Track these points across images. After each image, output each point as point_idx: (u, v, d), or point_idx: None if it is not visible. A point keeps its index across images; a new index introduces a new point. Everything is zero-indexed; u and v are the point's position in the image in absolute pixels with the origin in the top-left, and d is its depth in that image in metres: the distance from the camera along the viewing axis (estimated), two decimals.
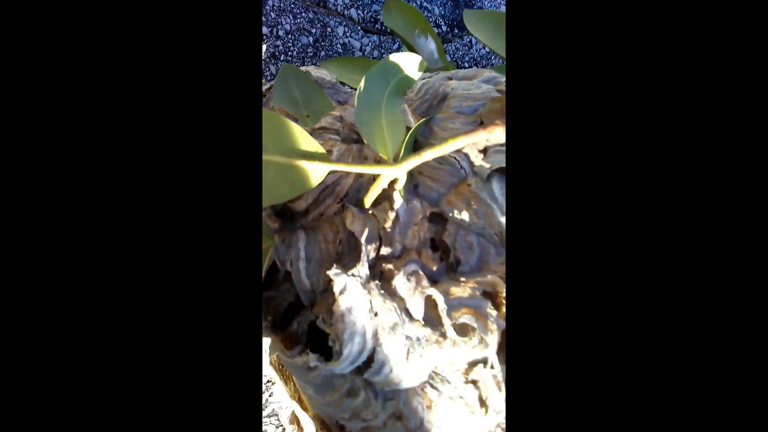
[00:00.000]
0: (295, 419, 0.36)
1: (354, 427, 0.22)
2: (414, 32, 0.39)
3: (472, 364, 0.20)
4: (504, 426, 0.20)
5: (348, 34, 0.59)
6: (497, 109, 0.27)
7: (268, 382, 0.35)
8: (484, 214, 0.22)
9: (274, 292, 0.24)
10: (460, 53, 0.68)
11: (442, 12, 0.66)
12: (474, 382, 0.20)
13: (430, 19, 0.65)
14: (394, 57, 0.25)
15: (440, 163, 0.24)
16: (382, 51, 0.65)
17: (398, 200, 0.21)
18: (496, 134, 0.16)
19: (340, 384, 0.21)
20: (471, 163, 0.24)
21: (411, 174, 0.24)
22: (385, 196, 0.23)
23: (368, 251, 0.20)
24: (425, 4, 0.64)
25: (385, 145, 0.22)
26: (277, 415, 0.71)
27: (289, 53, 0.54)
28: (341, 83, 0.37)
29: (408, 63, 0.25)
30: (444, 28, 0.66)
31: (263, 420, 0.69)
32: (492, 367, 0.20)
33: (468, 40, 0.68)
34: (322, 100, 0.31)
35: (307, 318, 0.23)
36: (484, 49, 0.69)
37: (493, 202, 0.22)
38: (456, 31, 0.67)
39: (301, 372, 0.22)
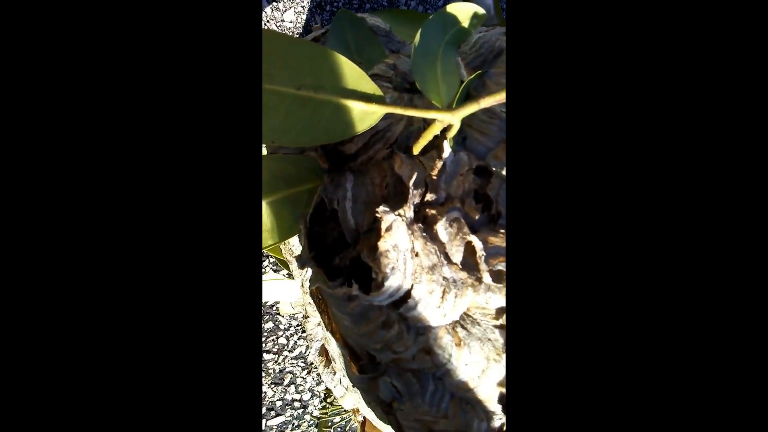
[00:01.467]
0: (323, 352, 0.39)
1: (384, 357, 0.24)
2: None
3: (503, 310, 0.21)
4: None
5: None
6: None
7: (304, 317, 0.38)
8: None
9: (319, 228, 0.26)
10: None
11: None
12: (503, 327, 0.21)
13: None
14: (452, 7, 0.25)
15: (490, 118, 0.24)
16: (427, 6, 0.64)
17: (447, 149, 0.22)
18: None
19: (376, 316, 0.23)
20: None
21: (460, 127, 0.25)
22: (433, 146, 0.24)
23: (414, 195, 0.21)
24: None
25: (439, 93, 0.22)
26: (304, 357, 0.75)
27: (335, 4, 0.53)
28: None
29: (466, 14, 0.25)
30: None
31: (291, 362, 0.74)
32: None
33: None
34: (376, 47, 0.31)
35: (349, 255, 0.24)
36: None
37: None
38: None
39: (340, 302, 0.24)
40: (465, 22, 0.25)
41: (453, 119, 0.19)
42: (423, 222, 0.21)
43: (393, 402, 0.23)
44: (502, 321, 0.21)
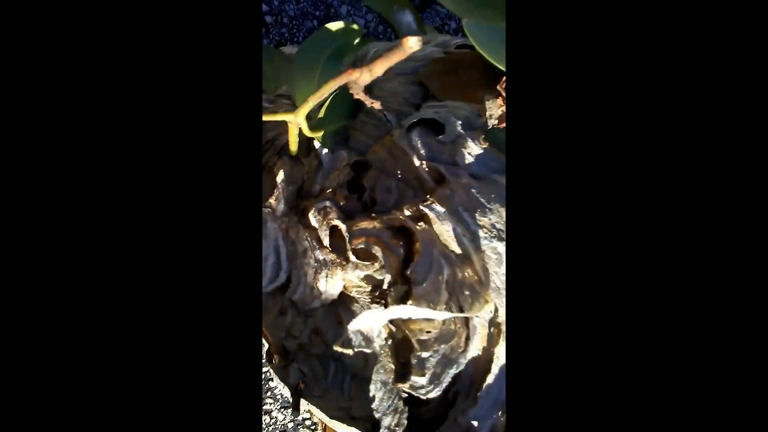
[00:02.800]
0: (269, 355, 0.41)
1: (290, 345, 0.26)
2: (392, 8, 0.42)
3: (377, 287, 0.23)
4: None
5: (352, 12, 0.61)
6: (439, 70, 0.29)
7: None
8: (402, 160, 0.25)
9: None
10: (437, 24, 0.68)
11: None
12: (378, 302, 0.23)
13: None
14: (330, 25, 0.28)
15: (369, 119, 0.27)
16: (386, 26, 0.67)
17: (319, 148, 0.24)
18: (363, 78, 0.19)
19: (272, 305, 0.25)
20: (397, 118, 0.27)
21: (345, 128, 0.27)
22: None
23: (289, 190, 0.24)
24: None
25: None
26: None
27: (295, 38, 0.58)
28: None
29: (345, 31, 0.28)
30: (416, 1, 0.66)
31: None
32: (390, 289, 0.22)
33: (446, 11, 0.68)
34: (285, 71, 0.34)
35: None
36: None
37: (411, 149, 0.25)
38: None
39: None
40: (344, 39, 0.28)
41: (296, 119, 0.22)
42: (301, 214, 0.24)
43: (300, 384, 0.25)
44: (377, 296, 0.23)
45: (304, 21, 0.59)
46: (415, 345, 0.21)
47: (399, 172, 0.25)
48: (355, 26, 0.28)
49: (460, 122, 0.25)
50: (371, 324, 0.21)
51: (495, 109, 0.26)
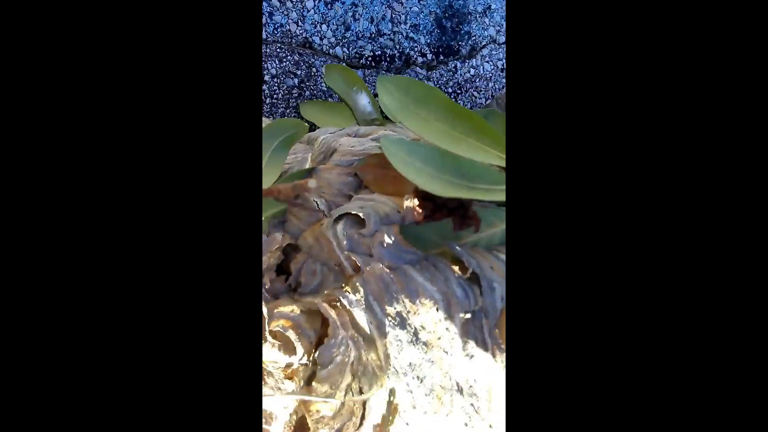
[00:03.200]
0: None
1: None
2: (353, 89, 0.46)
3: (289, 365, 0.26)
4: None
5: None
6: (373, 164, 0.33)
7: None
8: (327, 248, 0.29)
9: None
10: (445, 79, 0.72)
11: (428, 40, 0.70)
12: (290, 378, 0.26)
13: (416, 49, 0.70)
14: (278, 122, 0.32)
15: (304, 207, 0.31)
16: (367, 84, 0.71)
17: None
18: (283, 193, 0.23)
19: None
20: (329, 207, 0.30)
21: (284, 212, 0.31)
22: None
23: None
24: (411, 34, 0.69)
25: None
26: None
27: (275, 96, 0.61)
28: None
29: (291, 126, 0.32)
30: (429, 56, 0.70)
31: None
32: (300, 368, 0.26)
33: (453, 65, 0.72)
34: None
35: None
36: (468, 72, 0.73)
37: (334, 239, 0.28)
38: (441, 57, 0.71)
39: None
40: (293, 130, 0.32)
41: None
42: None
43: None
44: (290, 373, 0.26)
45: (285, 79, 0.62)
46: (310, 424, 0.25)
47: (324, 258, 0.29)
48: (301, 123, 0.32)
49: (379, 218, 0.29)
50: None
51: (410, 208, 0.29)
